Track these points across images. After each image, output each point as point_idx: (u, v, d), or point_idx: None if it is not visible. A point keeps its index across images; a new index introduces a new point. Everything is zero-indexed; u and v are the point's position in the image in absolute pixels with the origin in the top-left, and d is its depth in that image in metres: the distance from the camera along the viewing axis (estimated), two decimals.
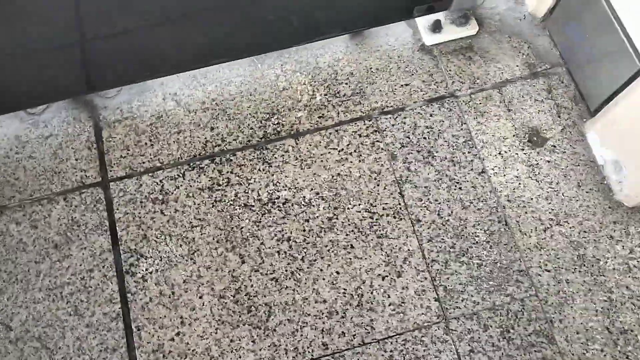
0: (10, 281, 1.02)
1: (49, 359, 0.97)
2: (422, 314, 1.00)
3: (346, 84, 1.18)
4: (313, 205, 1.08)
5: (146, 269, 1.03)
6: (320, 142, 1.13)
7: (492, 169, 1.10)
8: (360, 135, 1.14)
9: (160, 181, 1.09)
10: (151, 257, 1.04)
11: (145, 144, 1.12)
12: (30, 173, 1.10)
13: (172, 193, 1.08)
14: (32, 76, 1.09)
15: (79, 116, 1.14)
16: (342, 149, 1.13)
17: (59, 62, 1.08)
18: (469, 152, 1.12)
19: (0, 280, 1.02)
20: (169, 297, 1.01)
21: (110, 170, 1.10)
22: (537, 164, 1.11)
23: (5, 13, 1.07)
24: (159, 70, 1.14)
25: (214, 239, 1.05)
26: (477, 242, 1.05)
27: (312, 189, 1.09)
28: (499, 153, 1.12)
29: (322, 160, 1.12)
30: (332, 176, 1.10)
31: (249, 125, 1.14)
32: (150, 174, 1.09)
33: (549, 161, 1.11)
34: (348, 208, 1.08)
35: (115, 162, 1.10)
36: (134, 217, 1.06)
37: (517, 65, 1.20)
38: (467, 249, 1.04)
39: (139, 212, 1.06)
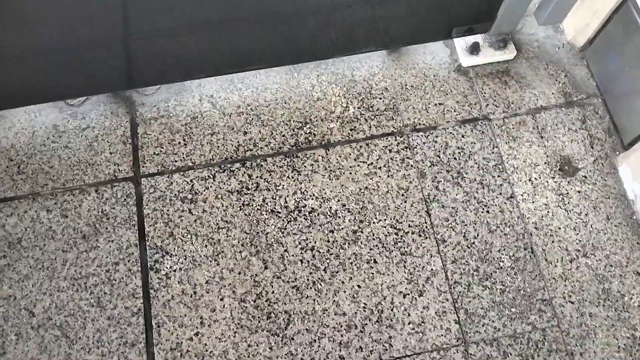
0: (37, 267, 1.04)
1: (68, 348, 0.98)
2: (442, 335, 1.00)
3: (380, 98, 1.19)
4: (339, 217, 1.08)
5: (170, 267, 1.04)
6: (350, 154, 1.14)
7: (521, 195, 1.10)
8: (390, 151, 1.14)
9: (191, 181, 1.10)
10: (176, 255, 1.05)
11: (179, 143, 1.14)
12: (65, 163, 1.12)
13: (202, 193, 1.09)
14: (75, 68, 1.11)
15: (116, 110, 1.16)
16: (372, 163, 1.13)
17: (102, 56, 1.10)
18: (498, 176, 1.12)
19: (27, 266, 1.04)
20: (191, 297, 1.02)
21: (143, 166, 1.11)
22: (567, 193, 1.10)
23: (54, 5, 1.09)
24: (197, 72, 1.16)
25: (239, 242, 1.06)
26: (501, 267, 1.04)
27: (339, 200, 1.10)
28: (529, 179, 1.11)
29: (351, 173, 1.12)
30: (360, 189, 1.11)
31: (281, 132, 1.15)
32: (181, 173, 1.11)
33: (579, 191, 1.11)
34: (373, 222, 1.08)
35: (149, 158, 1.12)
36: (162, 214, 1.07)
37: (552, 93, 1.19)
38: (491, 274, 1.04)
39: (168, 209, 1.08)
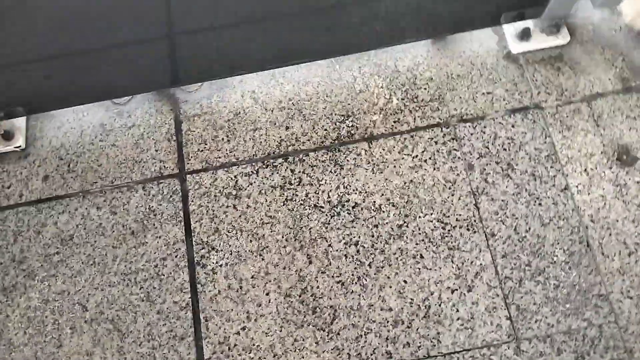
0: (89, 263, 1.07)
1: (120, 342, 1.01)
2: (492, 331, 0.97)
3: (425, 89, 1.16)
4: (383, 211, 1.06)
5: (216, 262, 1.05)
6: (394, 147, 1.11)
7: (576, 187, 1.05)
8: (436, 143, 1.11)
9: (235, 177, 1.11)
10: (222, 250, 1.05)
11: (222, 139, 1.14)
12: (113, 161, 1.14)
13: (245, 189, 1.10)
14: (121, 68, 1.13)
15: (161, 108, 1.18)
16: (417, 156, 1.10)
17: (146, 55, 1.12)
18: (551, 167, 1.07)
19: (80, 262, 1.07)
20: (237, 292, 1.02)
21: (188, 163, 1.12)
22: (625, 184, 1.05)
23: (101, 8, 1.12)
24: (240, 68, 1.16)
25: (283, 237, 1.06)
26: (555, 262, 1.00)
27: (382, 195, 1.08)
28: (584, 170, 1.06)
29: (395, 166, 1.10)
30: (405, 183, 1.08)
31: (323, 126, 1.14)
32: (225, 169, 1.11)
33: (638, 182, 1.05)
34: (419, 217, 1.05)
35: (193, 155, 1.13)
36: (207, 210, 1.08)
37: (609, 79, 1.13)
38: (544, 269, 1.00)
39: (213, 205, 1.09)
